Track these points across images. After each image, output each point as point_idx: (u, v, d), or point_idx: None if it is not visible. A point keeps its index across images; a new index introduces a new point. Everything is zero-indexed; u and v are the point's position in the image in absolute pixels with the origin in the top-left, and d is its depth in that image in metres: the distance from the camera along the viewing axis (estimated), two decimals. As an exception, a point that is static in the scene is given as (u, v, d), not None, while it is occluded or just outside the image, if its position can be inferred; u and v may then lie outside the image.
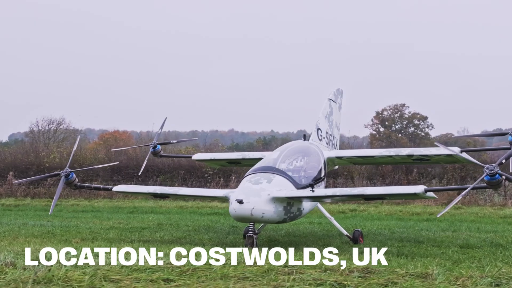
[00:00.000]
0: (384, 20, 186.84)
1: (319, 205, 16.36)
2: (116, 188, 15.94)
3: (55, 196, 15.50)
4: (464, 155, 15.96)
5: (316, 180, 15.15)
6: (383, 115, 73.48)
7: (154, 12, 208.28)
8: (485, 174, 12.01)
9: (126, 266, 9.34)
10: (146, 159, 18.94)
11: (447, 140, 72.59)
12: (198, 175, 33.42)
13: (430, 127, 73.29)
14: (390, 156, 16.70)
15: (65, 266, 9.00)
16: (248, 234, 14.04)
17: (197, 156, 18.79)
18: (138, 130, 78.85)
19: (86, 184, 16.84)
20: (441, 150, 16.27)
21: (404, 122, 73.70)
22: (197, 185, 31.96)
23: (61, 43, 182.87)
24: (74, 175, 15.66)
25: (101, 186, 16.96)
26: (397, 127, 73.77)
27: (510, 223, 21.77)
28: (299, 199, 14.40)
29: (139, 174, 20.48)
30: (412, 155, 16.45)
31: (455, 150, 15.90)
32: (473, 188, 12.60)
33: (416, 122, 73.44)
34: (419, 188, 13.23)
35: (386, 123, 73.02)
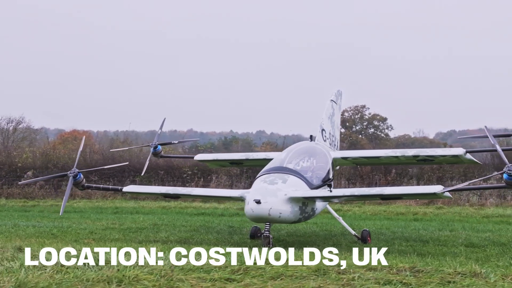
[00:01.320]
0: (344, 22, 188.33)
1: (327, 205, 16.53)
2: (126, 189, 15.78)
3: (65, 197, 15.24)
4: (468, 155, 16.41)
5: (326, 181, 15.29)
6: (344, 116, 74.00)
7: (115, 9, 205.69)
8: None
9: (177, 266, 9.31)
10: (148, 159, 18.82)
11: (404, 141, 73.87)
12: (177, 175, 33.28)
13: (389, 128, 74.30)
14: (396, 157, 16.85)
15: (125, 266, 8.92)
16: (265, 234, 14.06)
17: (199, 157, 18.74)
18: (95, 130, 77.88)
19: (94, 185, 16.53)
20: (446, 151, 16.64)
21: (365, 123, 74.47)
22: (178, 186, 31.77)
23: (12, 39, 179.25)
24: (82, 176, 15.44)
25: (110, 186, 16.70)
26: (357, 128, 74.47)
27: (497, 222, 22.29)
28: (317, 199, 14.51)
29: (142, 174, 20.32)
30: (417, 156, 16.61)
31: (460, 151, 16.30)
32: (495, 188, 12.90)
33: (376, 123, 74.26)
34: (437, 188, 13.40)
35: (347, 124, 73.64)
